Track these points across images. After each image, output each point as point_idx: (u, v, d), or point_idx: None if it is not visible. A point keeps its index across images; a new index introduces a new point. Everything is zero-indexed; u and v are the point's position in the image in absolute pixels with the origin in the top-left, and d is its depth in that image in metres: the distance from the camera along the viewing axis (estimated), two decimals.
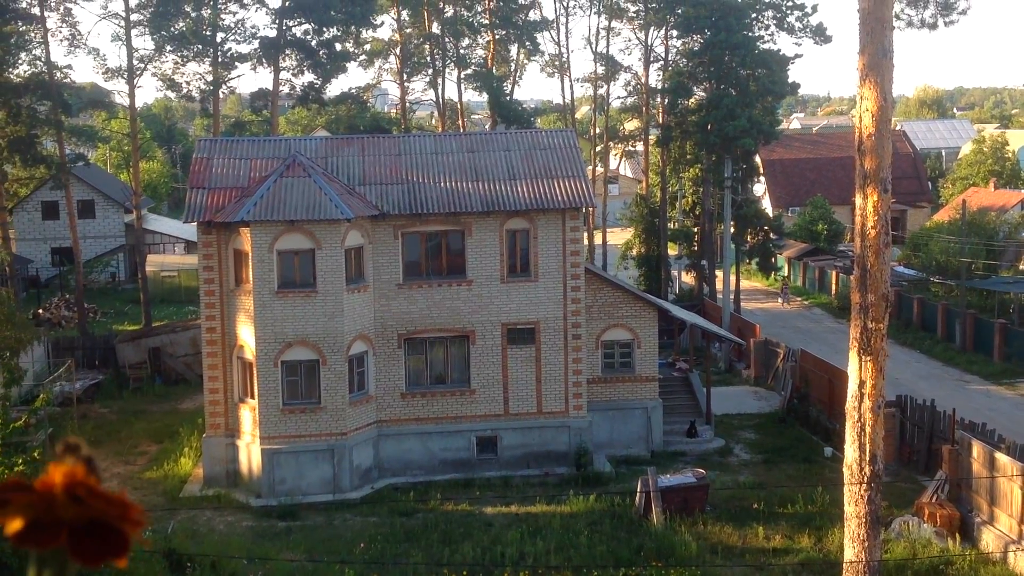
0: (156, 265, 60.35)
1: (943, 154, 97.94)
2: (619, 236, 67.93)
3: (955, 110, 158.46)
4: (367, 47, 58.35)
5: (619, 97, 60.72)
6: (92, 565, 1.10)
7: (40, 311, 54.35)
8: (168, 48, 49.64)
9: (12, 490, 1.09)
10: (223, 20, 50.54)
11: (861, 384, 18.92)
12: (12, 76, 47.04)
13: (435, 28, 56.38)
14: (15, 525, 1.08)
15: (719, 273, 52.45)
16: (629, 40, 60.36)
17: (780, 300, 59.96)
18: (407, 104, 59.89)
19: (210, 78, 50.73)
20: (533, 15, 58.15)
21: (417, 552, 25.60)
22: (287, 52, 50.93)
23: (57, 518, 1.09)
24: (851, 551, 19.17)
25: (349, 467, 30.33)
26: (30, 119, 46.17)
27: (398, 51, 57.58)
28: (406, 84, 58.53)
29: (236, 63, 51.24)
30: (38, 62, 47.87)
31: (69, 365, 38.96)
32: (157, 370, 43.05)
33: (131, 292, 60.45)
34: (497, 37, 57.50)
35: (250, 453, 30.49)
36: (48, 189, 57.86)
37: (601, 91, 60.34)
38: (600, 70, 59.15)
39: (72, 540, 1.09)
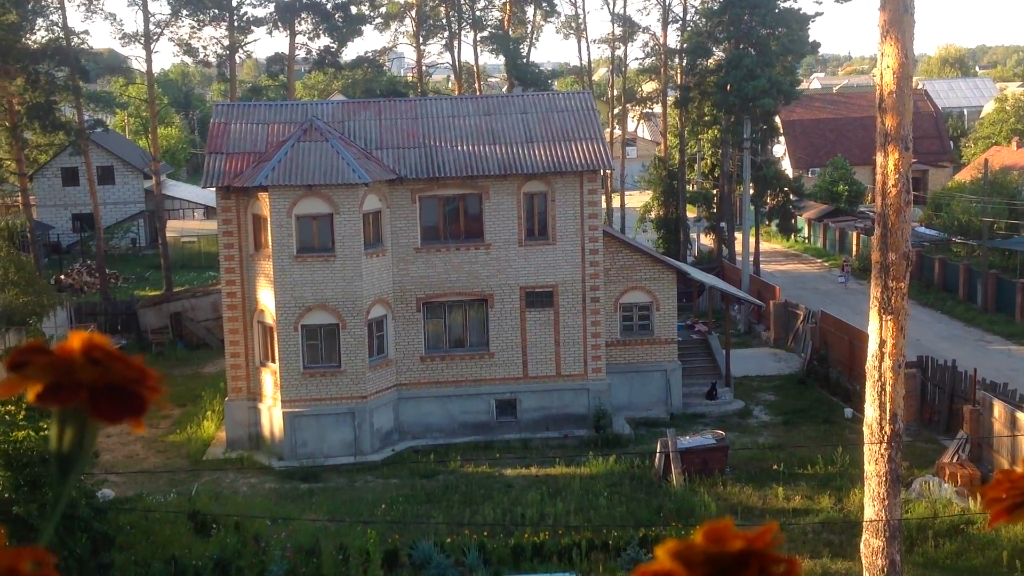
0: (176, 230, 60.62)
1: (965, 113, 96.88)
2: (637, 199, 67.66)
3: (977, 68, 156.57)
4: (383, 10, 58.02)
5: (637, 58, 60.41)
6: (111, 423, 1.12)
7: (62, 277, 54.74)
8: (184, 12, 49.54)
9: (31, 352, 1.09)
10: None
11: (881, 343, 18.86)
12: (30, 42, 47.06)
13: None
14: (35, 386, 1.08)
15: (738, 235, 52.23)
16: (647, 0, 59.83)
17: (841, 281, 53.27)
18: (423, 67, 59.63)
19: (226, 43, 50.65)
20: None
21: (438, 513, 25.81)
22: (303, 15, 50.74)
23: (76, 380, 1.09)
24: (871, 510, 19.20)
25: (370, 430, 30.53)
26: (48, 85, 46.22)
27: (414, 14, 57.26)
28: (422, 47, 58.25)
29: (252, 27, 51.12)
30: (55, 28, 47.90)
31: (91, 330, 39.26)
32: (179, 335, 43.36)
33: (151, 257, 60.76)
34: None
35: (272, 416, 30.73)
36: (68, 155, 58.01)
37: (618, 52, 59.89)
38: (617, 31, 58.66)
39: (92, 401, 1.10)
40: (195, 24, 50.36)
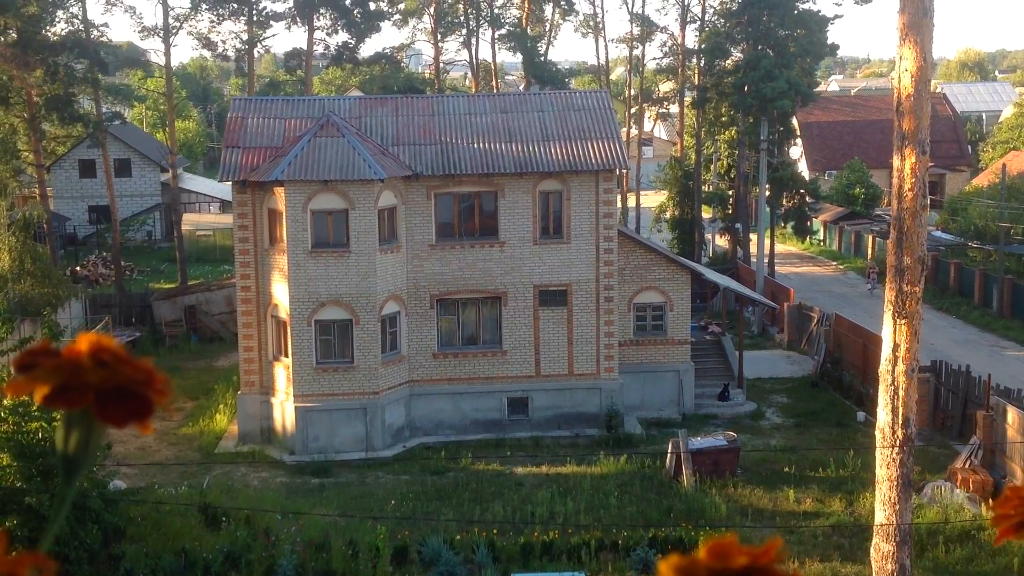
0: (192, 224, 60.77)
1: (983, 117, 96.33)
2: (653, 199, 67.53)
3: (997, 73, 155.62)
4: (401, 6, 58.09)
5: (654, 58, 60.19)
6: (117, 426, 1.12)
7: (78, 268, 54.98)
8: (204, 7, 49.72)
9: (39, 354, 1.10)
10: None
11: (895, 347, 18.79)
12: (50, 34, 47.27)
13: None
14: (43, 388, 1.09)
15: (753, 237, 52.08)
16: (665, 0, 59.71)
17: (868, 286, 51.71)
18: (441, 64, 59.65)
19: (245, 37, 50.80)
20: None
21: (448, 510, 25.84)
22: (321, 11, 50.83)
23: (84, 382, 1.10)
24: (882, 514, 19.13)
25: (381, 426, 30.58)
26: (67, 77, 46.42)
27: (432, 10, 57.28)
28: (440, 44, 58.26)
29: (271, 22, 51.25)
30: (75, 20, 48.09)
31: (106, 322, 39.44)
32: (193, 328, 43.51)
33: (167, 250, 60.96)
34: None
35: (284, 410, 30.81)
36: (85, 147, 58.27)
37: (636, 52, 59.80)
38: (635, 30, 58.58)
39: (98, 403, 1.11)
40: (214, 18, 50.55)
